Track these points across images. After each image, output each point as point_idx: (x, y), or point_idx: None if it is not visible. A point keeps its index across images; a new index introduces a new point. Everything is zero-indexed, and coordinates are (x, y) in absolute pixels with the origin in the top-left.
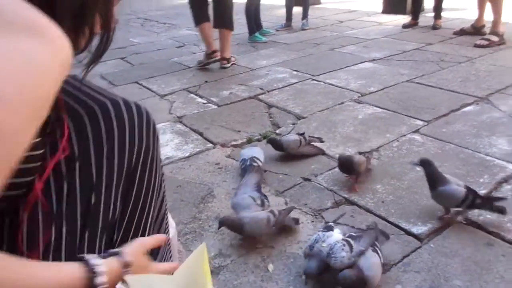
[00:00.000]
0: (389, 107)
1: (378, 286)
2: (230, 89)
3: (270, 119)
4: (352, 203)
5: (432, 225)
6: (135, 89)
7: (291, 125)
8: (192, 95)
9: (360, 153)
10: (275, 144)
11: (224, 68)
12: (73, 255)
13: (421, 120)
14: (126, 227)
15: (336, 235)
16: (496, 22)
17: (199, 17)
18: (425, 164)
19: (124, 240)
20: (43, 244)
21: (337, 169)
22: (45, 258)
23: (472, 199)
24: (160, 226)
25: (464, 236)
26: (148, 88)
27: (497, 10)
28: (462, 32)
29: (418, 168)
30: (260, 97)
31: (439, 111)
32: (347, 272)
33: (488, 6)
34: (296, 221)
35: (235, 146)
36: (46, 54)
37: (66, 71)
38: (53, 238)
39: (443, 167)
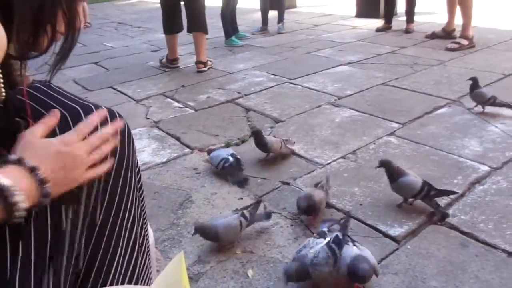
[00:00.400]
0: (365, 110)
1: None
2: (207, 93)
3: (248, 123)
4: (330, 206)
5: (409, 226)
6: (110, 94)
7: (269, 129)
8: (168, 99)
9: (316, 184)
10: (260, 140)
11: (201, 72)
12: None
13: (397, 122)
14: (99, 234)
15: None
16: (466, 26)
17: (171, 25)
18: (385, 163)
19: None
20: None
21: (315, 173)
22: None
23: (427, 190)
24: (141, 233)
25: (440, 237)
26: (123, 93)
27: (466, 14)
28: (433, 36)
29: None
30: (237, 101)
31: (414, 113)
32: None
33: (458, 10)
34: (268, 215)
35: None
36: None
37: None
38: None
39: (417, 169)
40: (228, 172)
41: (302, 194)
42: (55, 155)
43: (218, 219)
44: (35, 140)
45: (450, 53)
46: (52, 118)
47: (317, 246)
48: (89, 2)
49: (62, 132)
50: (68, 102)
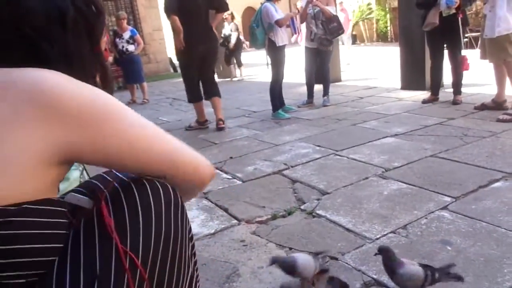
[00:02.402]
0: (414, 182)
1: None
2: (255, 164)
3: (295, 194)
4: (381, 284)
5: None
6: None
7: (315, 201)
8: (217, 170)
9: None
10: None
11: (221, 128)
12: None
13: (449, 196)
14: None
15: None
16: None
17: (195, 96)
18: (383, 250)
19: None
20: None
21: (364, 248)
22: None
23: (432, 275)
24: None
25: None
26: None
27: None
28: (483, 107)
29: (449, 248)
30: (284, 172)
31: (467, 187)
32: None
33: (508, 82)
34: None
35: (260, 222)
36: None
37: None
38: None
39: (476, 247)
40: None
41: None
42: None
43: None
44: None
45: (502, 125)
46: None
47: None
48: (147, 80)
49: (113, 205)
50: (120, 176)
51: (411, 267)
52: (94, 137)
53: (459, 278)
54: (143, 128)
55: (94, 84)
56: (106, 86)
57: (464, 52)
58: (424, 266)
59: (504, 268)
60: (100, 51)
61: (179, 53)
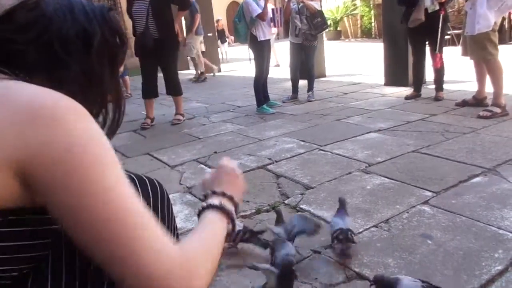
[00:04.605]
0: (397, 177)
1: None
2: (239, 159)
3: (279, 189)
4: (363, 277)
5: None
6: (147, 161)
7: (299, 195)
8: (201, 165)
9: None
10: None
11: (179, 122)
12: None
13: (430, 191)
14: None
15: None
16: (497, 94)
17: (150, 92)
18: (379, 281)
19: None
20: None
21: None
22: None
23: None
24: None
25: None
26: (159, 159)
27: (497, 83)
28: (464, 104)
29: (430, 242)
30: (268, 167)
31: (448, 182)
32: None
33: (488, 79)
34: None
35: (244, 217)
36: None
37: None
38: None
39: (455, 241)
40: None
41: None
42: (234, 181)
43: None
44: (222, 181)
45: (483, 121)
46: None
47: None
48: (130, 74)
49: None
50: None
51: (408, 281)
52: (56, 181)
53: None
54: (123, 211)
55: (104, 112)
56: (118, 106)
57: (446, 49)
58: (421, 282)
59: (482, 261)
60: (117, 79)
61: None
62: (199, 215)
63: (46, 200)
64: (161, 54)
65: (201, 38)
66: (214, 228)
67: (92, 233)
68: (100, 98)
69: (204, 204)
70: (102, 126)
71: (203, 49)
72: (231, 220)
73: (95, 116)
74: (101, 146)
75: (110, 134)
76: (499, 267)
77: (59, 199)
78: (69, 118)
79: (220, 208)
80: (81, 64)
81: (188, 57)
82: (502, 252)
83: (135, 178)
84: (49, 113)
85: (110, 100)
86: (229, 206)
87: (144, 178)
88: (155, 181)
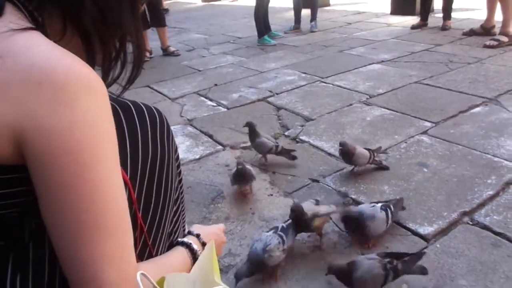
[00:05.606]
0: (397, 108)
1: (386, 286)
2: (240, 91)
3: (279, 121)
4: (359, 203)
5: (439, 225)
6: (147, 93)
7: (299, 127)
8: (202, 98)
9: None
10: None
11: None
12: None
13: (430, 121)
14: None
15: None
16: (506, 22)
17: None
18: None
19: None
20: None
21: (345, 171)
22: None
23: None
24: (174, 226)
25: (470, 237)
26: (159, 92)
27: (507, 10)
28: (471, 33)
29: (426, 170)
30: (269, 99)
31: (448, 112)
32: None
33: (499, 7)
34: None
35: (244, 148)
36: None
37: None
38: None
39: (451, 168)
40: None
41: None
42: (214, 236)
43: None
44: (204, 228)
45: (489, 51)
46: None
47: (266, 237)
48: None
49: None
50: (118, 98)
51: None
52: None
53: (422, 272)
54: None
55: (123, 57)
56: (140, 55)
57: None
58: (388, 256)
59: (475, 187)
60: (139, 17)
61: None
62: (171, 246)
63: (30, 168)
64: None
65: None
66: (179, 260)
67: (64, 216)
68: (119, 40)
69: (179, 240)
70: (120, 73)
71: None
72: (194, 259)
73: (113, 61)
74: (103, 133)
75: (130, 81)
76: (491, 192)
77: (44, 171)
78: (78, 92)
79: (188, 246)
80: (96, 0)
81: None
82: (495, 178)
83: (131, 105)
84: (58, 81)
85: (130, 41)
86: (197, 246)
87: (141, 105)
88: (153, 108)
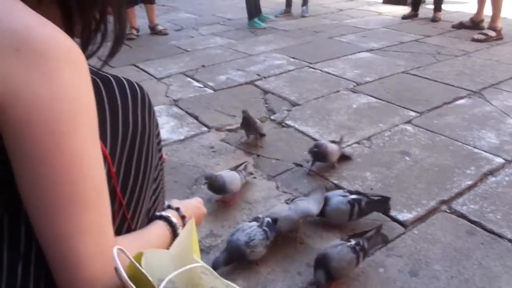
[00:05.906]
0: (383, 97)
1: (362, 269)
2: (227, 74)
3: (266, 105)
4: (341, 188)
5: (418, 212)
6: (132, 72)
7: (285, 112)
8: (188, 79)
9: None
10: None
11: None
12: None
13: (414, 111)
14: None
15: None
16: (495, 17)
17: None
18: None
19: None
20: None
21: None
22: None
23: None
24: (153, 205)
25: (447, 224)
26: (145, 71)
27: (496, 5)
28: (460, 26)
29: (408, 158)
30: (256, 83)
31: (432, 103)
32: None
33: (488, 1)
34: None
35: (229, 130)
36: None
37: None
38: None
39: (432, 158)
40: None
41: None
42: (194, 209)
43: None
44: (183, 202)
45: (476, 44)
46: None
47: (249, 229)
48: None
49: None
50: (99, 72)
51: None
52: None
53: (384, 240)
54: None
55: (103, 28)
56: (120, 21)
57: None
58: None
59: (454, 177)
60: None
61: None
62: (151, 220)
63: (5, 136)
64: None
65: None
66: (158, 233)
67: (39, 188)
68: (100, 12)
69: (158, 214)
70: (100, 45)
71: None
72: (173, 232)
73: (93, 33)
74: (82, 104)
75: (110, 55)
76: (469, 182)
77: (19, 139)
78: (58, 61)
79: (166, 219)
80: None
81: None
82: (474, 169)
83: (112, 79)
84: (37, 49)
85: (110, 13)
86: (176, 220)
87: (122, 79)
88: (135, 83)
